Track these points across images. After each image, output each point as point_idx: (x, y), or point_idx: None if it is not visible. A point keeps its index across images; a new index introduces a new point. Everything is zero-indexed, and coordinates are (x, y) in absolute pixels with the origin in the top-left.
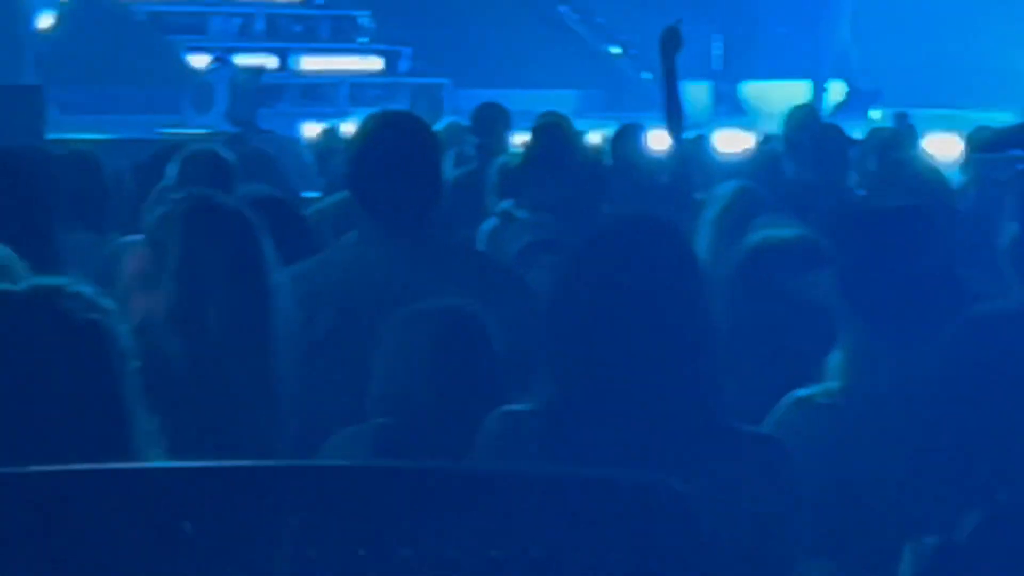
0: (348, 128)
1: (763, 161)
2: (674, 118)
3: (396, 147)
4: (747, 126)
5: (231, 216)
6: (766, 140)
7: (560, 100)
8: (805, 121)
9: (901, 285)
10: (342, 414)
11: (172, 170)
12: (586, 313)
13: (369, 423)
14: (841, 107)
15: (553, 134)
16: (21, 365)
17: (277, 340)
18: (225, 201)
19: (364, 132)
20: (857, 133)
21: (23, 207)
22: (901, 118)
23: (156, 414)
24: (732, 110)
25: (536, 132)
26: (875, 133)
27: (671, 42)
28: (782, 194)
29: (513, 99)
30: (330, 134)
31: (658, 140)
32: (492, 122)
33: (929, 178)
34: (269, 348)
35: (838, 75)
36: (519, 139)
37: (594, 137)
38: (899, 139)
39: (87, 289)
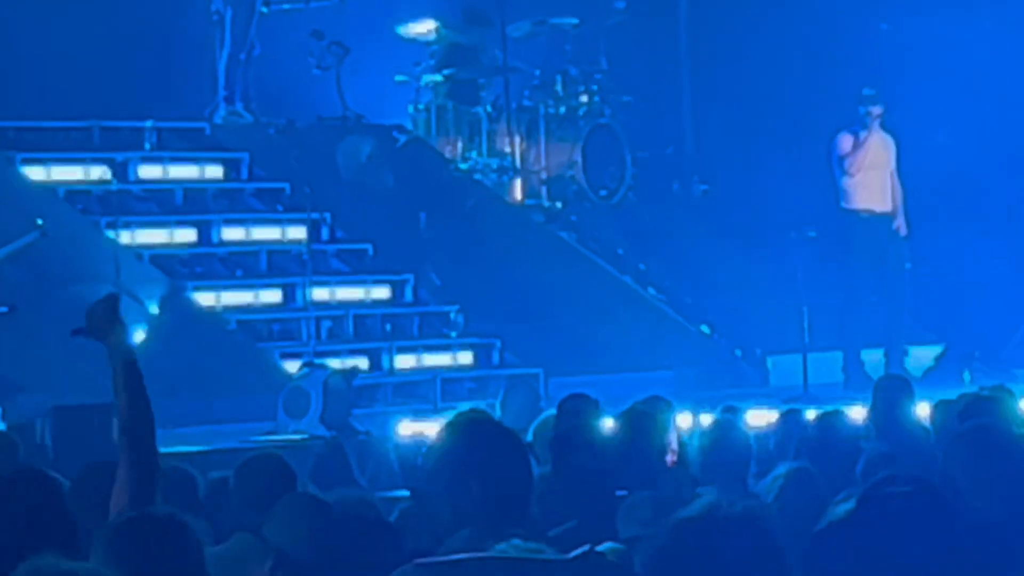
0: (433, 428)
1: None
2: None
3: (478, 451)
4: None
5: (167, 532)
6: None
7: (654, 383)
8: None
9: None
10: None
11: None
12: None
13: None
14: (933, 371)
15: (640, 423)
16: None
17: None
18: (164, 515)
19: (446, 438)
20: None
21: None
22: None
23: None
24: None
25: (624, 418)
26: (957, 401)
27: None
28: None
29: (608, 385)
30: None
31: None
32: (577, 414)
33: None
34: None
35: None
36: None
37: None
38: (978, 407)
39: None
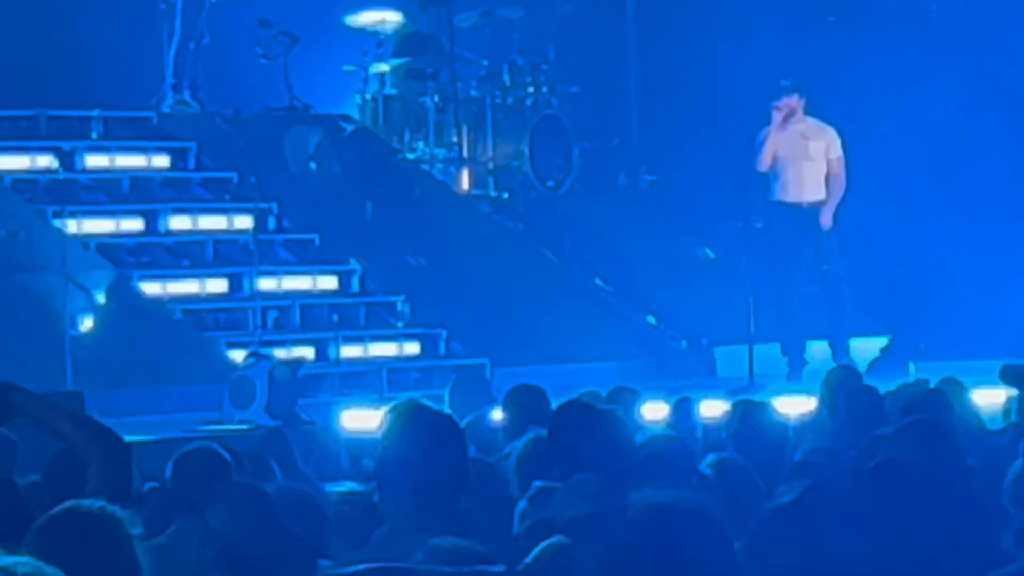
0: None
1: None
2: None
3: (417, 442)
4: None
5: (96, 526)
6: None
7: (600, 373)
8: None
9: None
10: None
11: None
12: None
13: None
14: (878, 362)
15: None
16: None
17: None
18: (92, 509)
19: (386, 428)
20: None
21: None
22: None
23: None
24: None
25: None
26: (900, 392)
27: None
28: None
29: (553, 375)
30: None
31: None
32: (521, 406)
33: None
34: None
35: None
36: None
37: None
38: (923, 399)
39: None
